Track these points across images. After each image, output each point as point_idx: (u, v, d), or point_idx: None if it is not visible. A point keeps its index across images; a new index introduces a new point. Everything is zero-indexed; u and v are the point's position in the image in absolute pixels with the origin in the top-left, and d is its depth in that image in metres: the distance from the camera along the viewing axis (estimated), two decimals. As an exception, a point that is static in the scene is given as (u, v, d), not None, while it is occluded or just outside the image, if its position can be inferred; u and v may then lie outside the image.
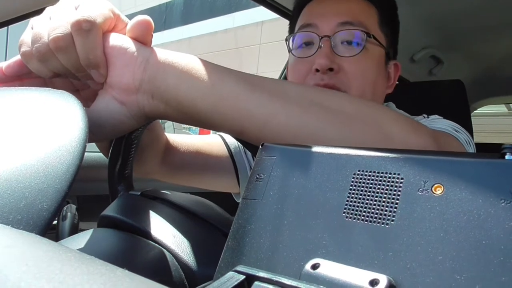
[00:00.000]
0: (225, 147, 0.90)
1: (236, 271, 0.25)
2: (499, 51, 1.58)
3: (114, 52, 0.44)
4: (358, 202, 0.26)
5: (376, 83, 0.81)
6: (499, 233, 0.21)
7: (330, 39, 0.78)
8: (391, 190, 0.25)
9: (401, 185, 0.25)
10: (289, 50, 0.86)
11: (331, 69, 0.76)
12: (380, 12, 0.83)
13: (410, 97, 1.32)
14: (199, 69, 0.44)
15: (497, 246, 0.20)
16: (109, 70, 0.44)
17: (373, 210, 0.25)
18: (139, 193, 0.52)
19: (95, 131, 0.44)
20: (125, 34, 0.46)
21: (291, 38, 0.85)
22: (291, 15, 0.93)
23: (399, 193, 0.25)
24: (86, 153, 0.33)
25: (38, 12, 0.67)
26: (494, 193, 0.22)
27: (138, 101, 0.44)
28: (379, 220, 0.25)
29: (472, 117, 1.36)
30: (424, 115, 0.87)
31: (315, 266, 0.24)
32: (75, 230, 1.07)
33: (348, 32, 0.78)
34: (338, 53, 0.78)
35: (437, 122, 0.75)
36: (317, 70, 0.77)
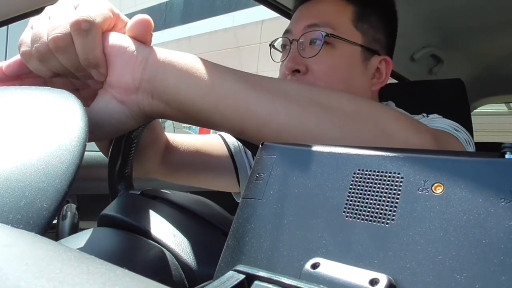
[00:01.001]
0: (225, 147, 0.91)
1: (236, 270, 0.25)
2: (499, 50, 1.58)
3: (114, 51, 0.44)
4: (358, 202, 0.26)
5: (350, 80, 0.82)
6: (499, 232, 0.21)
7: (297, 42, 0.82)
8: (391, 189, 0.25)
9: (401, 184, 0.25)
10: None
11: (298, 71, 0.80)
12: (357, 9, 0.84)
13: (410, 96, 1.32)
14: (199, 68, 0.44)
15: (497, 245, 0.20)
16: (109, 69, 0.44)
17: (373, 210, 0.25)
18: (139, 193, 0.52)
19: (95, 131, 0.44)
20: (124, 34, 0.46)
21: (271, 44, 0.91)
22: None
23: (399, 192, 0.25)
24: (86, 152, 0.33)
25: (38, 11, 0.67)
26: (494, 192, 0.22)
27: (137, 100, 0.44)
28: (379, 220, 0.24)
29: (472, 116, 1.36)
30: (424, 114, 0.86)
31: (315, 266, 0.24)
32: (75, 229, 1.07)
33: (310, 33, 0.81)
34: (302, 55, 0.81)
35: (437, 121, 0.75)
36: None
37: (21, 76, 0.47)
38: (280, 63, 0.88)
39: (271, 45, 0.91)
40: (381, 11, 0.88)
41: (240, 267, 0.25)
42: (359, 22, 0.83)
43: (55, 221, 1.03)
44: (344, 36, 0.80)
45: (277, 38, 0.90)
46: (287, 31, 0.86)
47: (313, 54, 0.80)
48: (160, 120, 0.65)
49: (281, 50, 0.89)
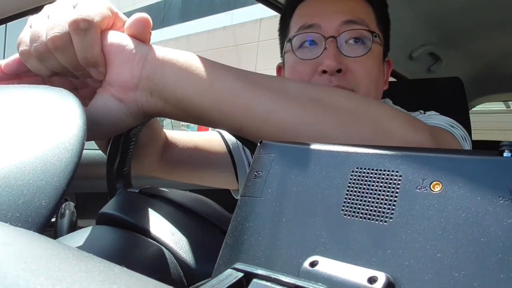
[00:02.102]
0: (224, 144, 0.90)
1: (234, 268, 0.25)
2: (498, 49, 1.58)
3: (113, 49, 0.44)
4: (357, 200, 0.26)
5: (378, 81, 0.81)
6: (498, 230, 0.21)
7: (336, 39, 0.76)
8: (389, 187, 0.25)
9: (399, 182, 0.25)
10: (288, 51, 0.83)
11: (339, 70, 0.75)
12: (376, 11, 0.83)
13: (409, 95, 1.32)
14: (198, 67, 0.44)
15: (495, 244, 0.20)
16: (107, 68, 0.44)
17: (371, 208, 0.25)
18: (137, 191, 0.52)
19: (93, 129, 0.44)
20: (123, 32, 0.46)
21: (293, 39, 0.82)
22: (282, 16, 0.91)
23: (397, 190, 0.25)
24: (84, 151, 0.33)
25: (37, 10, 0.67)
26: (492, 190, 0.22)
27: (136, 98, 0.44)
28: (378, 218, 0.25)
29: (470, 115, 1.36)
30: (421, 111, 0.87)
31: (313, 264, 0.24)
32: (73, 227, 1.07)
33: (354, 31, 0.77)
34: (345, 54, 0.76)
35: (434, 118, 0.75)
36: (324, 72, 0.75)
37: (20, 74, 0.47)
38: (297, 60, 0.80)
39: (290, 40, 0.82)
40: (386, 13, 0.88)
41: (238, 265, 0.25)
42: (378, 23, 0.83)
43: (53, 219, 1.03)
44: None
45: (297, 34, 0.80)
46: (312, 26, 0.78)
47: (360, 54, 0.76)
48: (158, 118, 0.65)
49: (298, 47, 0.81)
